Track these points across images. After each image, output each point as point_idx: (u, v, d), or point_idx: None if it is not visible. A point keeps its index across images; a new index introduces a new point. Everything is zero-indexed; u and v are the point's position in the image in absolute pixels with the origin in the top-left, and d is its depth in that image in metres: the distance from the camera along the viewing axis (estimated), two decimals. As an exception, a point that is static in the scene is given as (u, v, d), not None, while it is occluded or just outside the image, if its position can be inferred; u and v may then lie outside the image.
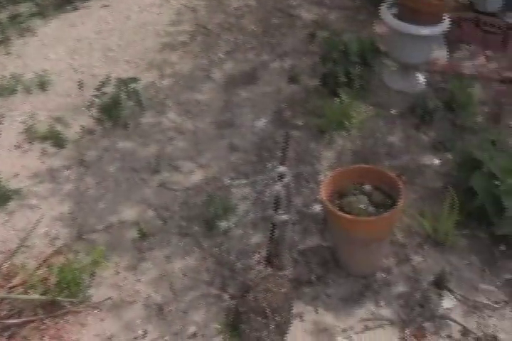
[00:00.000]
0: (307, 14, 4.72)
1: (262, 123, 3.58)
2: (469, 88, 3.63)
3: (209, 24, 4.64)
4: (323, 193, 2.63)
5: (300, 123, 3.53)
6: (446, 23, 3.60)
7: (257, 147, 3.39)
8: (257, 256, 2.76)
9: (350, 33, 3.97)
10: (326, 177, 2.83)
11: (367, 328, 2.49)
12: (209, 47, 4.33)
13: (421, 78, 3.84)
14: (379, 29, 4.28)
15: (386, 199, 2.64)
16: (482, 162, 2.88)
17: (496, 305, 2.58)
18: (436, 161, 3.29)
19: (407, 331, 2.47)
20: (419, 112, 3.50)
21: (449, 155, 3.30)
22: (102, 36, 4.48)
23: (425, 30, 3.52)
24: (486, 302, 2.59)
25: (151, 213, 3.03)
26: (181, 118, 3.67)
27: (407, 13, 3.55)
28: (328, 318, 2.53)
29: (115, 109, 3.67)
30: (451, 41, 4.28)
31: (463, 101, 3.53)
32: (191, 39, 4.45)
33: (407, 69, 3.79)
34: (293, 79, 3.91)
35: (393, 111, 3.60)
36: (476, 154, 2.92)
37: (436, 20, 3.56)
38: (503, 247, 2.83)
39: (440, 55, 4.04)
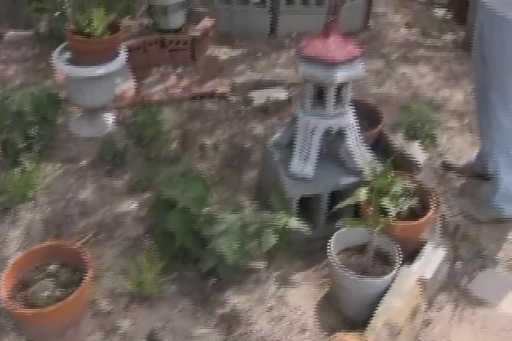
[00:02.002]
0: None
1: None
2: (157, 115, 3.44)
3: None
4: (2, 288, 2.25)
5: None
6: (122, 57, 3.36)
7: None
8: None
9: (31, 88, 3.61)
10: (5, 268, 2.44)
11: None
12: None
13: (110, 119, 3.57)
14: (60, 76, 3.97)
15: (74, 275, 2.34)
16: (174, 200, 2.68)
17: (212, 351, 2.36)
18: (134, 205, 3.04)
19: None
20: (108, 157, 3.23)
21: (147, 195, 3.07)
22: None
23: (100, 70, 3.25)
24: (201, 350, 2.37)
25: None
26: None
27: (80, 56, 3.28)
28: None
29: None
30: (141, 68, 4.10)
31: (152, 132, 3.32)
32: None
33: (93, 113, 3.51)
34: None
35: (83, 163, 3.29)
36: (166, 193, 2.69)
37: (111, 56, 3.31)
38: (212, 280, 2.63)
39: (127, 86, 3.81)
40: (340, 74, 2.59)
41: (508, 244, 3.00)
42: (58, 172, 3.22)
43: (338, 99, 2.73)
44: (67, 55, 3.33)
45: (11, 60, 4.22)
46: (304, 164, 2.76)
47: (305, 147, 2.76)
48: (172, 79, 4.00)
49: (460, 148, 3.64)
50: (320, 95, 2.73)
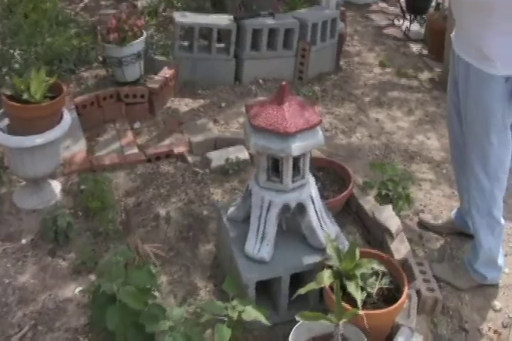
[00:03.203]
0: None
1: None
2: (105, 184, 3.16)
3: None
4: None
5: None
6: (66, 122, 3.04)
7: None
8: None
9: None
10: None
11: None
12: None
13: (57, 187, 3.27)
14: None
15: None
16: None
17: None
18: (77, 290, 2.71)
19: None
20: (50, 235, 2.93)
21: (93, 277, 2.77)
22: None
23: (39, 140, 2.92)
24: None
25: None
26: None
27: (17, 123, 2.96)
28: None
29: None
30: (96, 125, 3.83)
31: (99, 204, 3.03)
32: None
33: (38, 181, 3.19)
34: None
35: (24, 241, 2.98)
36: (104, 286, 2.38)
37: (53, 122, 2.98)
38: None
39: (78, 149, 3.53)
40: (297, 146, 2.30)
41: (492, 313, 2.73)
42: (-4, 254, 2.93)
43: (296, 170, 2.45)
44: (7, 121, 3.05)
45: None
46: (260, 245, 2.47)
47: (261, 225, 2.47)
48: (128, 136, 3.73)
49: (438, 202, 3.37)
50: (275, 166, 2.44)
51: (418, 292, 2.62)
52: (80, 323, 2.59)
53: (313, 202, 2.52)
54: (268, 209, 2.46)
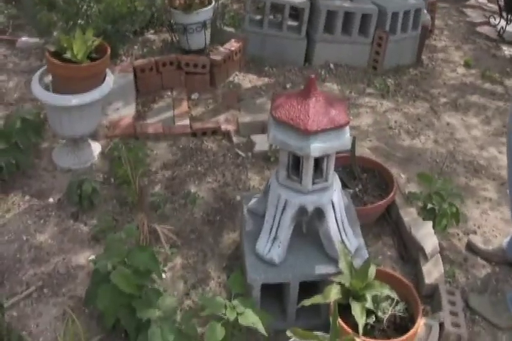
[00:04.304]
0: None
1: None
2: (140, 153, 3.07)
3: None
4: None
5: None
6: (107, 85, 2.96)
7: None
8: None
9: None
10: None
11: None
12: None
13: (96, 149, 3.23)
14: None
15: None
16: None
17: None
18: (91, 258, 2.65)
19: None
20: (74, 198, 2.89)
21: (107, 248, 2.72)
22: None
23: (76, 100, 2.86)
24: None
25: None
26: None
27: (60, 82, 2.92)
28: None
29: None
30: (153, 90, 3.75)
31: (125, 173, 2.93)
32: None
33: (78, 141, 3.16)
34: None
35: (51, 200, 2.97)
36: (99, 263, 2.27)
37: (93, 83, 2.91)
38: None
39: (127, 113, 3.47)
40: (317, 146, 2.08)
41: (532, 360, 2.45)
42: (22, 208, 2.92)
43: (319, 171, 2.23)
44: (50, 78, 3.01)
45: (16, 71, 3.94)
46: (271, 245, 2.31)
47: (274, 225, 2.30)
48: (183, 106, 3.62)
49: (494, 225, 3.05)
50: (296, 164, 2.23)
51: (441, 325, 2.39)
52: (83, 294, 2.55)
53: (334, 209, 2.31)
54: (283, 209, 2.27)
